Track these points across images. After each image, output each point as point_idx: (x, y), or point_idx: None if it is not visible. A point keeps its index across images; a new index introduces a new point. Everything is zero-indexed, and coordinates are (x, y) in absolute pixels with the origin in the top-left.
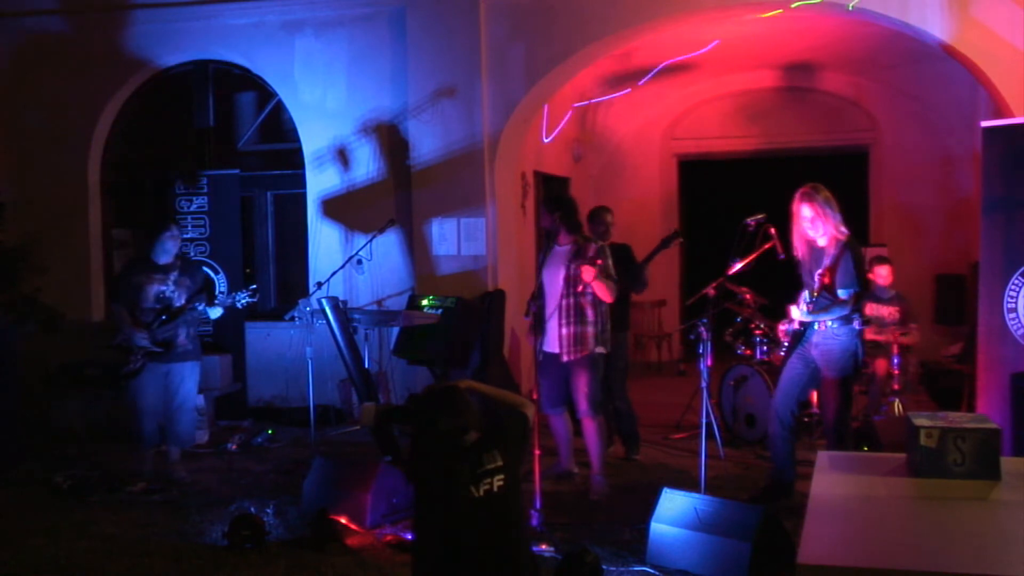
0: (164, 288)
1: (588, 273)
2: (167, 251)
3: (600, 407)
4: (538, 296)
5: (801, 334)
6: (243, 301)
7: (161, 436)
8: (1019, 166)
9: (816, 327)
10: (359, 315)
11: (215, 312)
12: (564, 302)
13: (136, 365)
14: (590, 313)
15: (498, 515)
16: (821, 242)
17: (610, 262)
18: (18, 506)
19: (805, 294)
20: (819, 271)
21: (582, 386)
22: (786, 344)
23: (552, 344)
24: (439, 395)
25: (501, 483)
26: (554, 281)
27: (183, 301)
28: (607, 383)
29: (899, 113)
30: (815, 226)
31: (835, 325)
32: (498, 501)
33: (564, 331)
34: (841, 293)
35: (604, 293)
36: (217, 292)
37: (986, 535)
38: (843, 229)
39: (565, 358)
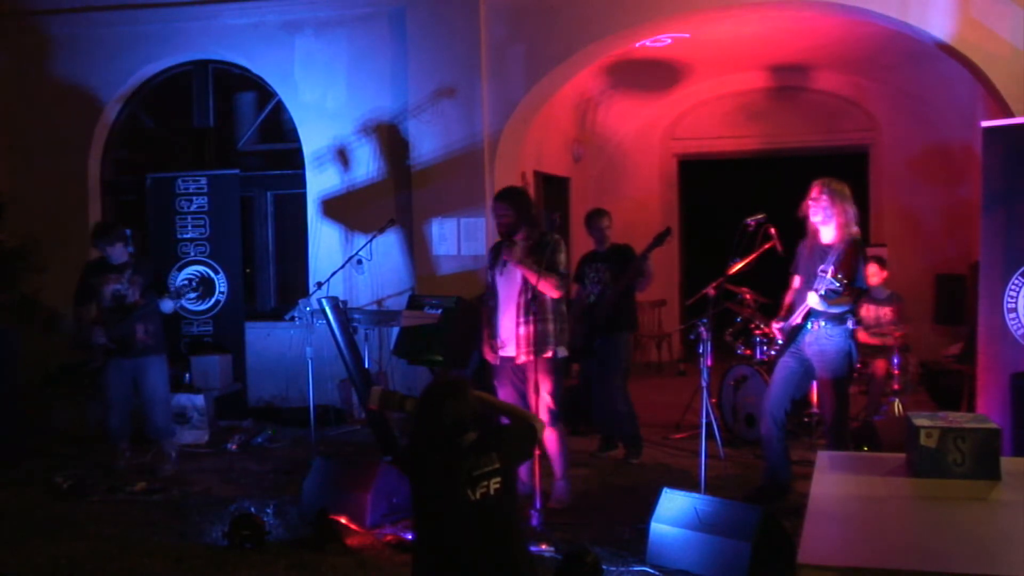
0: (119, 287)
1: (512, 254)
2: (117, 253)
3: (561, 416)
4: (489, 297)
5: (796, 333)
6: (187, 297)
7: (129, 431)
8: (1019, 166)
9: (810, 327)
10: (359, 315)
11: (166, 306)
12: (521, 299)
13: (97, 363)
14: (549, 310)
15: (495, 518)
16: (827, 236)
17: (560, 257)
18: (18, 506)
19: (827, 280)
20: (823, 267)
21: (543, 393)
22: (780, 342)
23: (508, 347)
24: (446, 384)
25: (498, 486)
26: (509, 280)
27: (137, 298)
28: (605, 384)
29: (899, 113)
30: (827, 214)
31: (828, 326)
32: (494, 504)
33: (521, 331)
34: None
35: (544, 286)
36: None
37: (986, 535)
38: (854, 228)
39: (521, 359)
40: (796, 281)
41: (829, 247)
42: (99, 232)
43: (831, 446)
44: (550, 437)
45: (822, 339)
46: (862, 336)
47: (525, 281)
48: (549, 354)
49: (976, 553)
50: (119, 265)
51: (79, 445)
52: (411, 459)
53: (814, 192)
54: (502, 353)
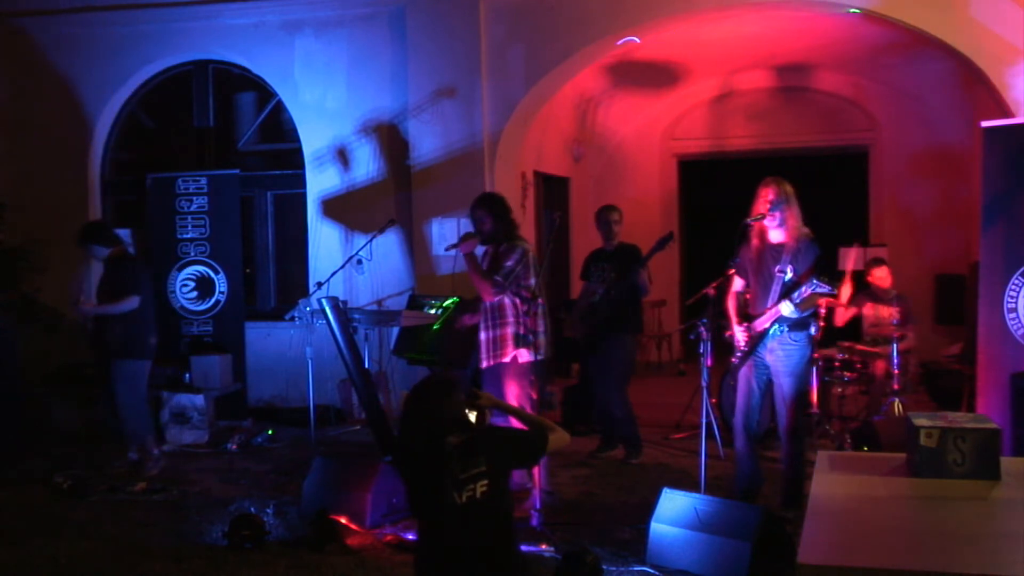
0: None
1: (464, 245)
2: (94, 253)
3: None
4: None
5: (760, 339)
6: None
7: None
8: (1019, 166)
9: (773, 333)
10: (359, 315)
11: (82, 309)
12: (484, 305)
13: (99, 357)
14: (509, 314)
15: (482, 521)
16: (777, 236)
17: (507, 263)
18: (18, 506)
19: (801, 290)
20: (779, 267)
21: (508, 397)
22: (741, 350)
23: (481, 351)
24: (433, 384)
25: (485, 489)
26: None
27: (93, 299)
28: (603, 387)
29: (899, 113)
30: (782, 216)
31: (791, 332)
32: (482, 507)
33: (483, 336)
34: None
35: (479, 285)
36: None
37: (986, 535)
38: (805, 228)
39: (484, 363)
40: (737, 283)
41: (781, 247)
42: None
43: (788, 451)
44: None
45: (787, 345)
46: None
47: None
48: (507, 358)
49: (976, 553)
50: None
51: (79, 445)
52: (400, 458)
53: (770, 194)
54: (482, 356)
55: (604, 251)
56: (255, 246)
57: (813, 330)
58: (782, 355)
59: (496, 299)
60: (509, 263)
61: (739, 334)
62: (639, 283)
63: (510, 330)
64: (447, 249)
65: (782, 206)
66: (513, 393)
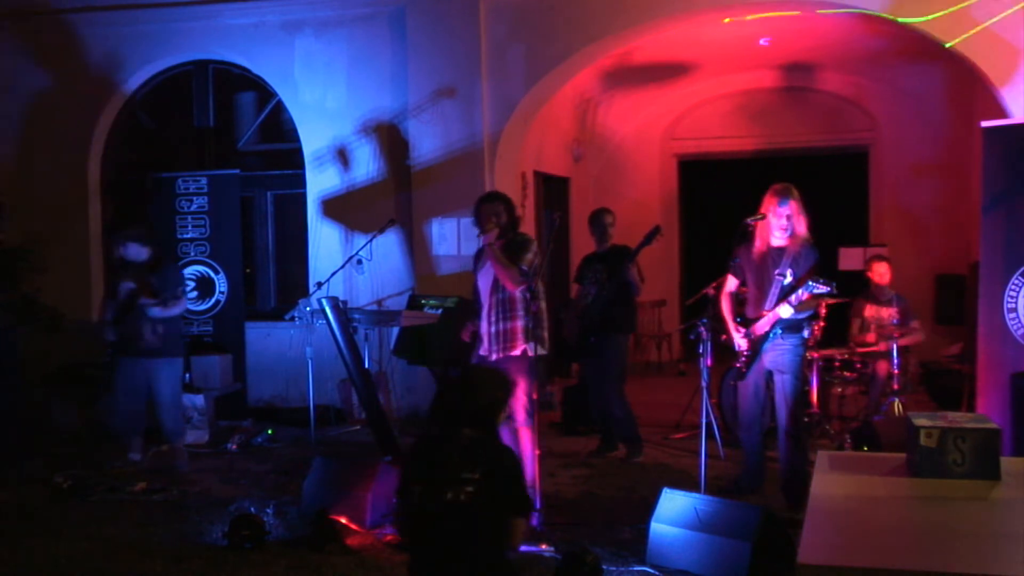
0: (130, 286)
1: (488, 235)
2: (131, 252)
3: (534, 413)
4: (475, 300)
5: (761, 342)
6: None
7: (141, 427)
8: (1019, 166)
9: (770, 336)
10: (359, 315)
11: (153, 311)
12: (493, 299)
13: (107, 358)
14: (519, 308)
15: (461, 526)
16: (778, 241)
17: (527, 255)
18: (18, 506)
19: (799, 293)
20: (778, 271)
21: (516, 391)
22: (744, 354)
23: (484, 345)
24: (476, 373)
25: (468, 495)
26: (486, 280)
27: (146, 299)
28: (601, 387)
29: (899, 113)
30: (790, 223)
31: (786, 336)
32: (462, 512)
33: (492, 329)
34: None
35: (504, 275)
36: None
37: (986, 535)
38: (807, 233)
39: (493, 356)
40: (731, 283)
41: (782, 250)
42: (116, 233)
43: (788, 451)
44: (524, 439)
45: (779, 346)
46: (870, 337)
47: (496, 280)
48: (518, 351)
49: (976, 553)
50: (135, 264)
51: (79, 445)
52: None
53: (788, 210)
54: (480, 352)
55: (597, 253)
56: (255, 246)
57: (806, 333)
58: (776, 355)
59: (515, 290)
60: (529, 255)
61: (739, 340)
62: (629, 280)
63: (520, 323)
64: (479, 235)
65: (796, 213)
66: (520, 385)
